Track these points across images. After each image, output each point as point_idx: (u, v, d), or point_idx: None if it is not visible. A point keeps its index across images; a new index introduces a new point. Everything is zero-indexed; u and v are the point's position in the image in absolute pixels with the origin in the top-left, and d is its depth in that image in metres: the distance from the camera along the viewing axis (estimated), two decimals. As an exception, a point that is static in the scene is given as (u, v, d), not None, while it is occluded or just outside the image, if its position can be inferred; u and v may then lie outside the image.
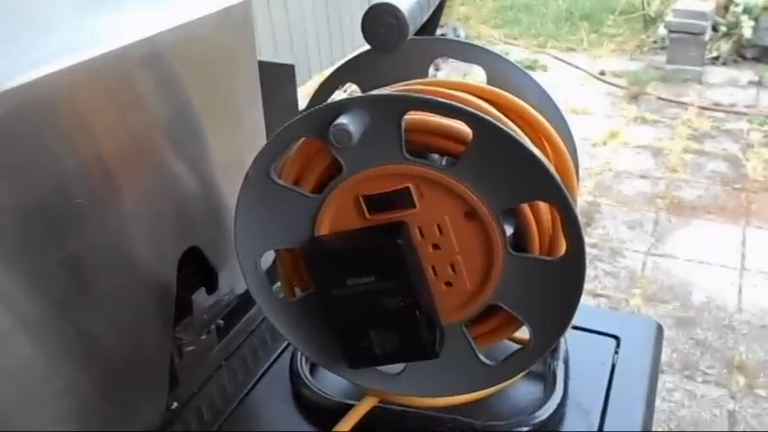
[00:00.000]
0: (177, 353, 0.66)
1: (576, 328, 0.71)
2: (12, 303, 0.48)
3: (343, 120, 0.45)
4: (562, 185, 0.46)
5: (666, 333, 2.16)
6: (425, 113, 0.48)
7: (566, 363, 0.64)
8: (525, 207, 0.50)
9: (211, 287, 0.65)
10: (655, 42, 4.41)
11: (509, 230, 0.53)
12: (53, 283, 0.50)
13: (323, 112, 0.47)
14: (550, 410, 0.59)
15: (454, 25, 4.49)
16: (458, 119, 0.47)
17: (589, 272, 2.42)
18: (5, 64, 0.49)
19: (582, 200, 2.87)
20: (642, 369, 0.66)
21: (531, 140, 0.52)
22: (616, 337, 0.69)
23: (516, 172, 0.47)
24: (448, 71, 3.12)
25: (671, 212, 2.79)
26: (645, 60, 4.28)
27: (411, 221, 0.50)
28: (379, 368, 0.56)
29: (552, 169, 0.46)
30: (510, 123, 0.50)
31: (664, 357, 2.08)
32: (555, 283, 0.50)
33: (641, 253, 2.56)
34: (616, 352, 0.68)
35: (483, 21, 5.03)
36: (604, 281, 2.43)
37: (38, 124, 0.49)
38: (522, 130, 0.52)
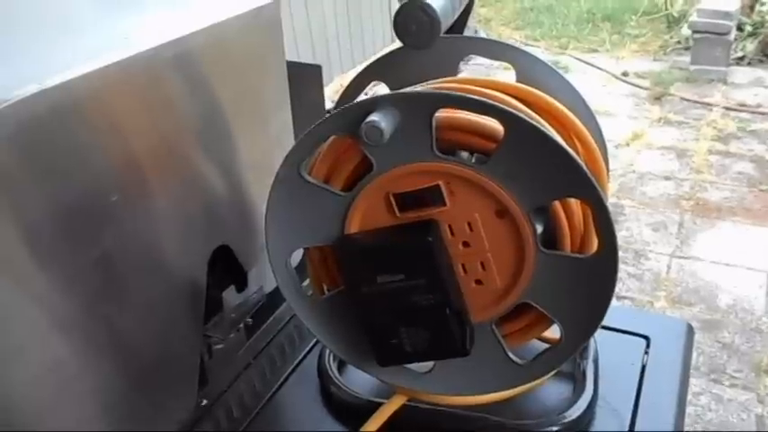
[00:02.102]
0: (207, 351, 0.66)
1: (605, 327, 0.70)
2: (48, 303, 0.48)
3: (374, 117, 0.45)
4: (595, 181, 0.46)
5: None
6: (455, 111, 0.48)
7: (595, 362, 0.64)
8: (557, 204, 0.49)
9: (241, 285, 0.65)
10: (678, 43, 4.37)
11: (539, 228, 0.52)
12: (88, 281, 0.51)
13: (355, 109, 0.47)
14: (580, 410, 0.59)
15: (475, 27, 4.48)
16: (490, 116, 0.47)
17: (613, 274, 2.41)
18: (40, 65, 0.50)
19: (605, 202, 2.85)
20: (673, 369, 0.66)
21: (563, 138, 0.52)
22: (646, 338, 0.69)
23: (548, 169, 0.46)
24: (468, 75, 3.09)
25: (696, 214, 2.75)
26: (668, 61, 4.24)
27: (441, 219, 0.50)
28: (409, 366, 0.56)
29: (584, 165, 0.46)
30: (542, 120, 0.50)
31: (690, 360, 2.05)
32: (586, 282, 0.49)
33: (666, 255, 2.53)
34: (646, 352, 0.67)
35: (504, 23, 5.01)
36: (628, 283, 2.40)
37: (72, 124, 0.49)
38: (553, 128, 0.52)
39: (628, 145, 3.26)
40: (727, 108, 3.56)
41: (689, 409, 1.95)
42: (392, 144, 0.47)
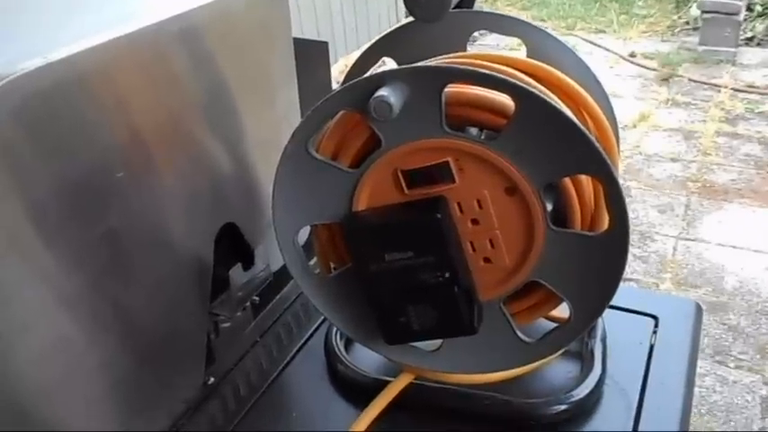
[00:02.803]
0: (213, 329, 0.66)
1: (613, 307, 0.69)
2: (54, 278, 0.48)
3: (383, 92, 0.45)
4: (607, 158, 0.45)
5: (698, 318, 2.12)
6: (465, 86, 0.47)
7: (603, 342, 0.63)
8: (567, 181, 0.49)
9: (247, 263, 0.65)
10: (687, 23, 4.32)
11: (549, 206, 0.52)
12: (94, 257, 0.51)
13: (363, 84, 0.46)
14: (588, 389, 0.58)
15: (480, 7, 4.43)
16: (501, 91, 0.46)
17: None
18: (45, 39, 0.49)
19: (611, 183, 2.84)
20: (681, 349, 0.65)
21: (574, 114, 0.51)
22: (655, 317, 0.68)
23: (560, 145, 0.46)
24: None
25: (703, 196, 2.74)
26: (677, 42, 4.19)
27: (450, 196, 0.50)
28: (416, 345, 0.56)
29: (596, 141, 0.45)
30: (553, 96, 0.49)
31: (694, 342, 2.05)
32: (597, 260, 0.49)
33: (672, 237, 2.52)
34: (654, 332, 0.67)
35: (510, 3, 4.96)
36: (633, 265, 2.40)
37: (78, 99, 0.49)
38: (565, 104, 0.51)
39: (635, 126, 3.24)
40: (736, 89, 3.52)
41: (694, 390, 1.95)
42: (401, 120, 0.46)
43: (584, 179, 0.49)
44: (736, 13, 3.73)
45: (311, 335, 0.69)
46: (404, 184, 0.50)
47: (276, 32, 0.66)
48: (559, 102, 0.49)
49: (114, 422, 0.56)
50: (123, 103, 0.52)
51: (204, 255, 0.60)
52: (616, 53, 4.00)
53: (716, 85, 3.57)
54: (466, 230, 0.51)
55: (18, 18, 0.52)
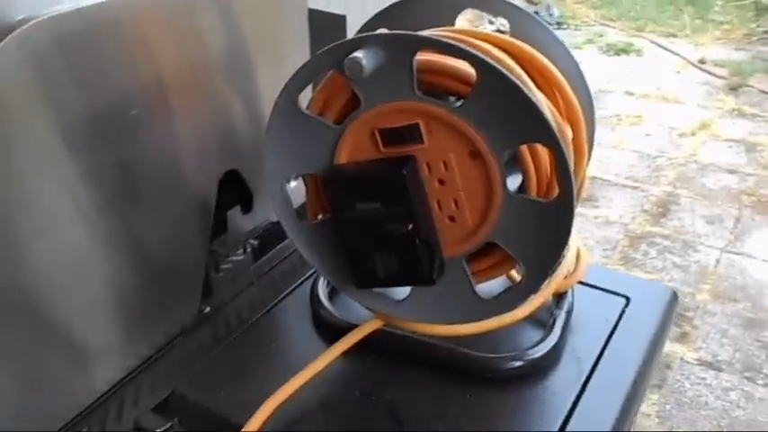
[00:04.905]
0: (214, 267, 0.73)
1: (588, 285, 0.73)
2: (72, 192, 0.56)
3: (358, 54, 0.50)
4: (555, 128, 0.49)
5: (732, 332, 2.10)
6: (436, 55, 0.52)
7: (568, 314, 0.67)
8: (525, 149, 0.53)
9: (247, 208, 0.71)
10: (766, 32, 4.17)
11: (518, 179, 0.56)
12: (109, 180, 0.58)
13: (342, 46, 0.52)
14: (544, 350, 0.62)
15: (548, 3, 4.39)
16: (464, 60, 0.50)
17: (657, 263, 2.39)
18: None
19: (660, 189, 2.80)
20: (647, 330, 0.68)
21: (543, 91, 0.55)
22: (627, 298, 0.71)
23: (515, 114, 0.50)
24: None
25: (756, 211, 2.67)
26: (752, 51, 4.05)
27: (420, 156, 0.55)
28: (386, 293, 0.61)
29: (548, 113, 0.49)
30: (517, 69, 0.53)
31: (724, 355, 2.03)
32: (547, 225, 0.53)
33: (716, 249, 2.47)
34: (624, 311, 0.70)
35: (579, 0, 4.89)
36: (672, 273, 2.36)
37: (105, 41, 0.56)
38: (534, 80, 0.55)
39: (693, 134, 3.17)
40: (808, 105, 3.40)
41: (716, 403, 1.93)
42: (377, 82, 0.52)
43: (541, 149, 0.53)
44: (818, 26, 3.58)
45: (301, 283, 0.75)
46: (380, 142, 0.55)
47: (292, 2, 0.72)
48: (522, 75, 0.53)
49: (116, 331, 0.63)
50: (146, 48, 0.60)
51: (208, 195, 0.67)
52: (684, 58, 3.90)
53: (787, 99, 3.45)
54: (433, 189, 0.55)
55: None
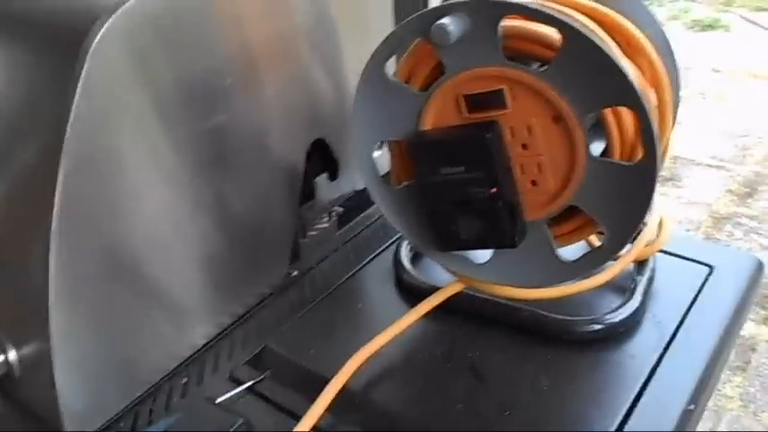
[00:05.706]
0: (302, 233, 0.77)
1: (671, 254, 0.73)
2: (165, 159, 0.60)
3: (444, 20, 0.52)
4: (640, 92, 0.49)
5: (814, 320, 2.00)
6: (522, 21, 0.53)
7: (650, 280, 0.67)
8: (608, 113, 0.54)
9: (333, 176, 0.75)
10: None
11: (600, 145, 0.57)
12: (201, 147, 0.62)
13: (429, 13, 0.53)
14: (623, 315, 0.63)
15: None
16: (550, 25, 0.51)
17: (743, 244, 2.30)
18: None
19: (746, 169, 2.69)
20: (730, 299, 0.68)
21: (627, 55, 0.55)
22: (710, 267, 0.71)
23: (599, 78, 0.51)
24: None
25: None
26: None
27: (503, 122, 0.56)
28: (468, 256, 0.63)
29: (632, 76, 0.50)
30: (602, 33, 0.53)
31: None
32: (630, 188, 0.54)
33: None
34: (707, 280, 0.70)
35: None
36: (759, 254, 2.27)
37: (199, 13, 0.60)
38: (619, 45, 0.55)
39: (780, 112, 3.02)
40: None
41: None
42: (462, 49, 0.53)
43: (625, 112, 0.53)
44: None
45: (385, 248, 0.78)
46: (464, 108, 0.57)
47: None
48: (606, 39, 0.53)
49: (211, 290, 0.68)
50: (237, 19, 0.63)
51: (296, 162, 0.71)
52: (776, 33, 3.71)
53: None
54: (516, 154, 0.57)
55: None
